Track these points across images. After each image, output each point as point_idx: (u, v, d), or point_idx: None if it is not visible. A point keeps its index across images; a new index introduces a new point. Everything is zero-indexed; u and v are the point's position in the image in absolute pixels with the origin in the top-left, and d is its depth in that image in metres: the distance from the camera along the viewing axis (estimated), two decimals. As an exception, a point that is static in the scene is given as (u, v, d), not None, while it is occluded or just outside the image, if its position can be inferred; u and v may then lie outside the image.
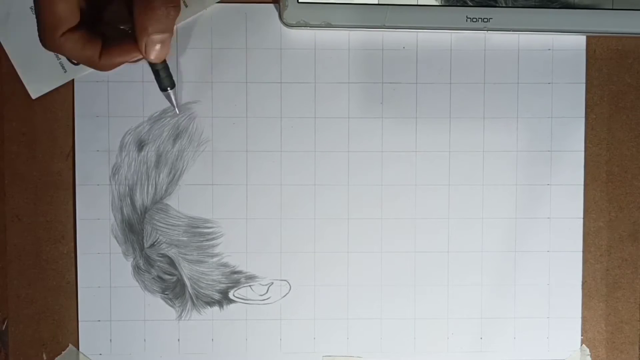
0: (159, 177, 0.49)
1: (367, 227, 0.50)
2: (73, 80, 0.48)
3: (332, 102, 0.49)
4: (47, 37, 0.42)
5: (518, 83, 0.49)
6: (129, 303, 0.49)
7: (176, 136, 0.49)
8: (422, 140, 0.49)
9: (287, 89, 0.49)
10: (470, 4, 0.46)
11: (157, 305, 0.50)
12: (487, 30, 0.47)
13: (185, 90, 0.49)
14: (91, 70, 0.47)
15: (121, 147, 0.49)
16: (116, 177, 0.49)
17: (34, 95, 0.48)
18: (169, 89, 0.47)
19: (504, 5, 0.47)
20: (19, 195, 0.49)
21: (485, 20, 0.47)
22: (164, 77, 0.46)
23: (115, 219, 0.49)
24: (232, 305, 0.50)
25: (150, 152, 0.49)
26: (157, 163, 0.49)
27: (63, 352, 0.50)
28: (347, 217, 0.50)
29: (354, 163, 0.49)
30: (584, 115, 0.50)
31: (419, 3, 0.47)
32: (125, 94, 0.49)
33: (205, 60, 0.49)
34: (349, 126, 0.49)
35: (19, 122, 0.49)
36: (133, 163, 0.49)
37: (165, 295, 0.50)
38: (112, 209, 0.49)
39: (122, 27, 0.45)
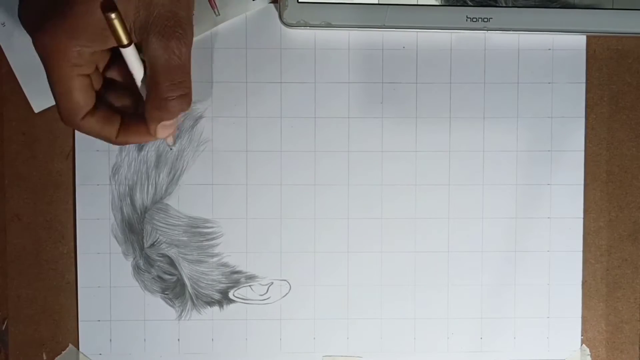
0: (159, 177, 0.49)
1: (367, 227, 0.50)
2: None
3: (332, 102, 0.49)
4: (67, 121, 0.42)
5: (518, 83, 0.49)
6: (129, 303, 0.49)
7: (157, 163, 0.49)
8: (422, 140, 0.49)
9: (287, 89, 0.49)
10: (470, 3, 0.46)
11: (157, 305, 0.50)
12: (487, 30, 0.47)
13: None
14: None
15: (121, 147, 0.49)
16: (116, 177, 0.49)
17: (36, 110, 0.48)
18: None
19: (504, 5, 0.47)
20: (19, 195, 0.49)
21: (485, 20, 0.47)
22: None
23: (115, 219, 0.49)
24: (232, 305, 0.50)
25: (150, 152, 0.49)
26: (157, 163, 0.49)
27: (63, 352, 0.50)
28: (347, 217, 0.50)
29: (354, 163, 0.49)
30: (584, 115, 0.50)
31: (418, 3, 0.47)
32: (125, 94, 0.49)
33: (205, 60, 0.49)
34: (349, 126, 0.49)
35: (19, 122, 0.49)
36: (133, 163, 0.49)
37: (165, 295, 0.50)
38: (112, 209, 0.49)
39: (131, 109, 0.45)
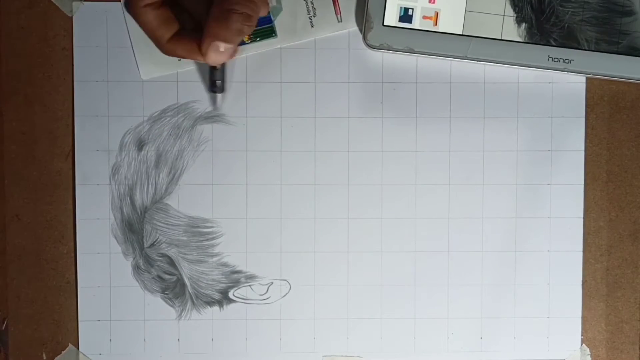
0: (158, 176, 0.49)
1: (367, 227, 0.50)
2: (73, 79, 0.48)
3: (332, 102, 0.49)
4: (131, 2, 0.42)
5: (518, 83, 0.49)
6: (129, 303, 0.49)
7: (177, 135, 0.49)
8: (422, 140, 0.49)
9: (287, 88, 0.49)
10: (554, 43, 0.46)
11: (157, 305, 0.50)
12: (568, 72, 0.47)
13: (186, 90, 0.49)
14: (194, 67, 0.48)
15: (121, 147, 0.49)
16: (116, 176, 0.49)
17: (144, 77, 0.48)
18: (218, 92, 0.48)
19: (586, 48, 0.47)
20: (19, 195, 0.49)
21: (567, 61, 0.47)
22: (218, 80, 0.47)
23: (115, 219, 0.49)
24: (232, 305, 0.50)
25: (150, 151, 0.49)
26: (157, 163, 0.49)
27: (63, 352, 0.50)
28: (347, 217, 0.50)
29: (354, 163, 0.49)
30: (584, 114, 0.50)
31: (502, 37, 0.47)
32: (125, 94, 0.49)
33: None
34: (349, 126, 0.49)
35: (18, 122, 0.49)
36: (133, 163, 0.49)
37: (165, 295, 0.50)
38: (112, 209, 0.49)
39: (197, 19, 0.45)
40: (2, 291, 0.49)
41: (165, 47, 0.44)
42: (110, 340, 0.50)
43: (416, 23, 0.47)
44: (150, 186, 0.49)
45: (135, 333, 0.50)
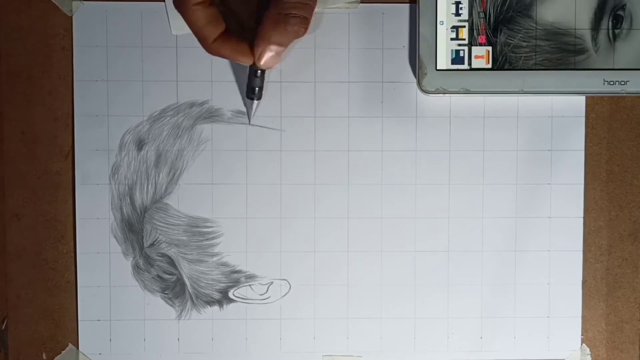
0: (158, 176, 0.49)
1: (367, 227, 0.50)
2: (73, 79, 0.48)
3: (332, 101, 0.49)
4: (181, 1, 0.43)
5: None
6: (129, 302, 0.49)
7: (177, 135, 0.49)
8: (422, 140, 0.49)
9: (287, 88, 0.49)
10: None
11: (157, 305, 0.50)
12: (626, 94, 0.47)
13: (186, 90, 0.49)
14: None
15: (121, 147, 0.49)
16: (116, 176, 0.49)
17: (174, 32, 0.48)
18: (256, 99, 0.47)
19: None
20: (19, 195, 0.49)
21: (623, 83, 0.47)
22: (257, 87, 0.47)
23: (115, 219, 0.49)
24: (232, 305, 0.50)
25: (149, 151, 0.49)
26: (157, 162, 0.49)
27: (63, 352, 0.50)
28: (347, 217, 0.50)
29: (354, 163, 0.49)
30: (584, 114, 0.50)
31: (557, 67, 0.47)
32: (124, 93, 0.49)
33: (204, 59, 0.48)
34: (349, 126, 0.49)
35: (18, 121, 0.49)
36: (133, 162, 0.49)
37: (165, 295, 0.50)
38: (112, 209, 0.49)
39: (243, 21, 0.45)
40: (2, 291, 0.49)
41: (211, 47, 0.44)
42: (110, 340, 0.50)
43: (469, 64, 0.47)
44: (150, 186, 0.49)
45: (135, 333, 0.50)
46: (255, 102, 0.48)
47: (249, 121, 0.49)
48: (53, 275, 0.49)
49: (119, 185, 0.49)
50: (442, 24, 0.47)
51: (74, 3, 0.48)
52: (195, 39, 0.44)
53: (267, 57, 0.44)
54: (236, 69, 0.49)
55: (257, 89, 0.47)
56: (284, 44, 0.43)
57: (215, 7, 0.44)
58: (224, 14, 0.44)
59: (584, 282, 0.50)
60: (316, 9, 0.44)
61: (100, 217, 0.49)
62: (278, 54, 0.44)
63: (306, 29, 0.43)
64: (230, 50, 0.44)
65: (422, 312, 0.50)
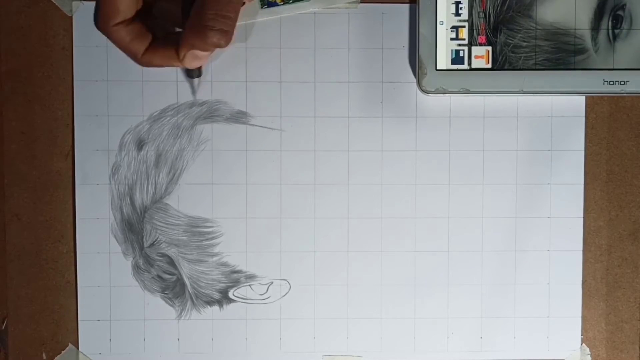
0: (158, 176, 0.49)
1: (367, 226, 0.50)
2: (72, 79, 0.48)
3: (332, 101, 0.49)
4: (101, 23, 0.42)
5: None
6: (129, 302, 0.49)
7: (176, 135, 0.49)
8: (422, 140, 0.49)
9: (287, 88, 0.49)
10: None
11: (157, 305, 0.50)
12: (625, 94, 0.47)
13: (186, 90, 0.49)
14: None
15: (121, 147, 0.49)
16: (116, 176, 0.49)
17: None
18: (195, 77, 0.48)
19: None
20: (19, 195, 0.49)
21: (622, 83, 0.47)
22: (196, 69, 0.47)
23: (115, 219, 0.49)
24: (231, 305, 0.50)
25: (149, 151, 0.49)
26: (157, 162, 0.49)
27: (63, 352, 0.50)
28: (347, 217, 0.50)
29: (354, 163, 0.49)
30: (584, 114, 0.50)
31: (557, 67, 0.47)
32: (124, 93, 0.49)
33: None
34: (349, 126, 0.49)
35: (18, 122, 0.49)
36: (133, 162, 0.49)
37: (165, 295, 0.50)
38: (112, 208, 0.49)
39: (170, 27, 0.45)
40: (2, 291, 0.49)
41: (142, 60, 0.44)
42: (110, 340, 0.50)
43: (469, 64, 0.47)
44: (150, 186, 0.49)
45: (135, 333, 0.50)
46: (196, 80, 0.48)
47: (194, 97, 0.49)
48: (53, 275, 0.49)
49: (119, 185, 0.49)
50: (442, 24, 0.47)
51: (74, 3, 0.48)
52: None
53: (190, 60, 0.43)
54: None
55: (195, 69, 0.47)
56: (206, 50, 0.43)
57: (138, 23, 0.43)
58: (149, 24, 0.44)
59: (583, 282, 0.50)
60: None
61: (100, 217, 0.49)
62: (202, 57, 0.43)
63: (228, 40, 0.42)
64: (162, 59, 0.44)
65: (422, 312, 0.50)
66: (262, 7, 0.48)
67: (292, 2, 0.48)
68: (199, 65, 0.45)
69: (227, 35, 0.42)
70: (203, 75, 0.48)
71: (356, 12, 0.49)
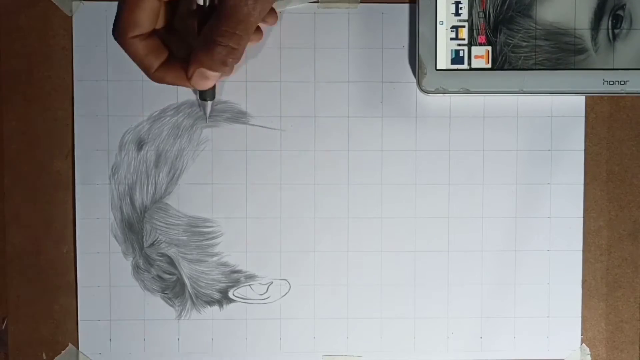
0: (158, 176, 0.49)
1: (367, 227, 0.50)
2: (72, 79, 0.48)
3: (332, 101, 0.49)
4: (118, 33, 0.42)
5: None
6: (129, 302, 0.49)
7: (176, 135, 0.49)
8: (422, 140, 0.49)
9: (287, 88, 0.49)
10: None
11: (157, 305, 0.50)
12: (625, 94, 0.47)
13: (186, 90, 0.49)
14: None
15: (121, 147, 0.49)
16: (116, 176, 0.49)
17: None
18: (208, 99, 0.47)
19: None
20: (19, 195, 0.49)
21: (622, 83, 0.47)
22: (207, 90, 0.46)
23: (115, 219, 0.49)
24: (231, 305, 0.50)
25: (149, 151, 0.49)
26: (157, 162, 0.49)
27: (63, 352, 0.50)
28: (347, 217, 0.50)
29: (354, 163, 0.49)
30: (584, 114, 0.50)
31: (557, 67, 0.47)
32: (124, 94, 0.49)
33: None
34: (349, 126, 0.49)
35: (18, 122, 0.49)
36: (132, 162, 0.49)
37: (165, 295, 0.50)
38: (112, 208, 0.49)
39: (190, 45, 0.45)
40: (2, 291, 0.49)
41: (154, 76, 0.43)
42: (110, 340, 0.50)
43: (468, 63, 0.47)
44: (150, 186, 0.49)
45: (135, 333, 0.50)
46: (209, 102, 0.47)
47: (206, 120, 0.49)
48: (53, 275, 0.49)
49: (119, 185, 0.49)
50: (442, 24, 0.47)
51: (74, 3, 0.48)
52: None
53: (199, 79, 0.43)
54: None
55: (207, 91, 0.47)
56: (214, 70, 0.42)
57: (155, 38, 0.43)
58: (170, 40, 0.44)
59: (583, 282, 0.50)
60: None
61: (100, 217, 0.49)
62: (211, 78, 0.43)
63: (235, 59, 0.42)
64: (173, 77, 0.43)
65: (422, 312, 0.50)
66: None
67: None
68: (208, 87, 0.44)
69: (234, 54, 0.42)
70: (217, 98, 0.48)
71: (356, 12, 0.49)
